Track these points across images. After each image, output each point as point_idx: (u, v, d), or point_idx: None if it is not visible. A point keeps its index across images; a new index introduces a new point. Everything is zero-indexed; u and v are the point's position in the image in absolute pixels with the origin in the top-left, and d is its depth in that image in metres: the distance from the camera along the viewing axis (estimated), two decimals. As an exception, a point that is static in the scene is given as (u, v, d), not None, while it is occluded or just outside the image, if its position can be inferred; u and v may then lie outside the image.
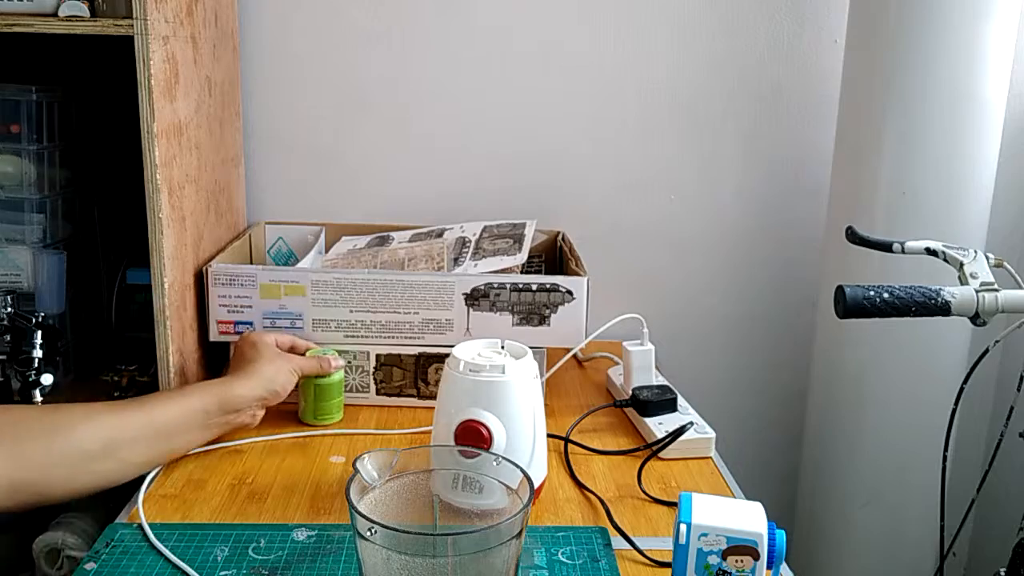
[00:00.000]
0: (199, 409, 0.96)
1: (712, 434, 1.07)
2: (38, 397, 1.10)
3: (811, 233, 1.51)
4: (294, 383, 1.06)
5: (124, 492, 0.92)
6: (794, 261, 1.55)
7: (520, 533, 0.64)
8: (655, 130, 1.49)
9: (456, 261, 1.24)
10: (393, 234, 1.39)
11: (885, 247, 1.00)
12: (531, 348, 0.93)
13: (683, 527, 0.70)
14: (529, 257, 1.28)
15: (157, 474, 0.96)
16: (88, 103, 1.26)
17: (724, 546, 0.69)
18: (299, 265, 1.28)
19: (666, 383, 1.18)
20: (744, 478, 1.04)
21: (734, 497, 0.96)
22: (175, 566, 0.79)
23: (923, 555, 1.36)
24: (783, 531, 0.71)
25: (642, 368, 1.19)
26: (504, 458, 0.73)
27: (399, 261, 1.26)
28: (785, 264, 1.55)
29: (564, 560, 0.82)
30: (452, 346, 0.92)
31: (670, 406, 1.12)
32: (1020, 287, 0.95)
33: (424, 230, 1.38)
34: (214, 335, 1.16)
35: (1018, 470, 1.38)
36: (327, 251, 1.40)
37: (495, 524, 0.64)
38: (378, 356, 1.16)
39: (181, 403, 0.95)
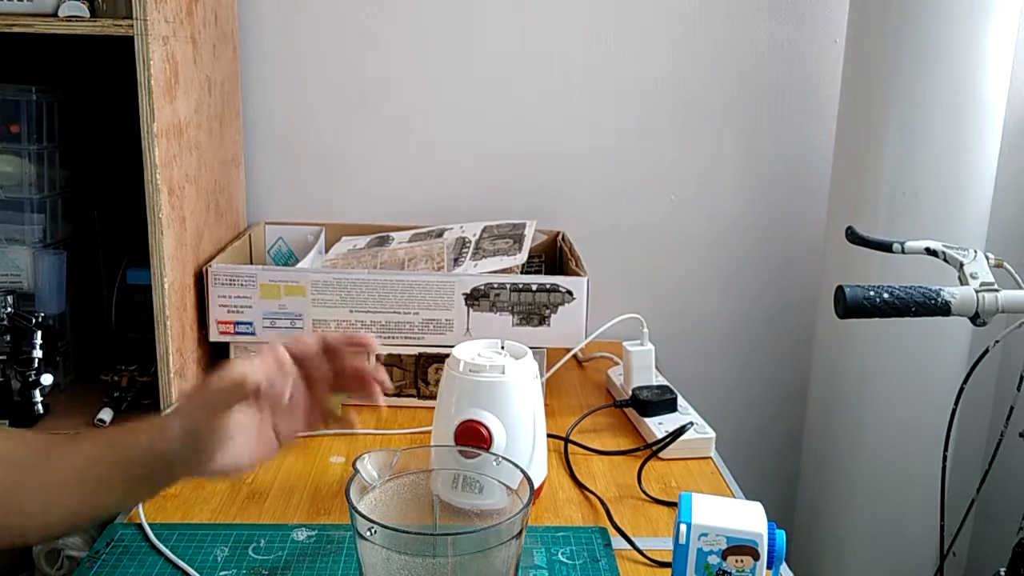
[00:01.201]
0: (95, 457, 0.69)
1: (712, 434, 1.07)
2: (38, 397, 1.10)
3: (811, 233, 1.51)
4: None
5: (124, 492, 0.92)
6: (794, 261, 1.55)
7: (520, 533, 0.64)
8: (655, 130, 1.49)
9: (456, 261, 1.24)
10: (393, 234, 1.39)
11: (885, 247, 1.00)
12: (531, 348, 0.93)
13: (683, 527, 0.70)
14: (529, 257, 1.28)
15: (157, 474, 0.96)
16: (88, 103, 1.26)
17: (724, 546, 0.69)
18: (299, 265, 1.28)
19: (666, 383, 1.18)
20: (744, 478, 1.04)
21: (734, 497, 0.96)
22: (175, 566, 0.79)
23: (923, 555, 1.36)
24: (783, 531, 0.71)
25: (642, 368, 1.19)
26: (504, 458, 0.73)
27: (399, 261, 1.26)
28: (785, 264, 1.55)
29: (564, 560, 0.82)
30: (452, 346, 0.92)
31: (670, 406, 1.12)
32: (1020, 287, 0.95)
33: (424, 230, 1.38)
34: (214, 335, 1.16)
35: (1018, 470, 1.37)
36: (327, 251, 1.40)
37: (495, 524, 0.64)
38: (378, 356, 1.16)
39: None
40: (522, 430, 0.88)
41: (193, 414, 0.68)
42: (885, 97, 1.24)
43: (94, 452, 0.68)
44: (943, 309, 0.86)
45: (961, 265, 0.91)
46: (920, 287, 0.86)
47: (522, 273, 1.19)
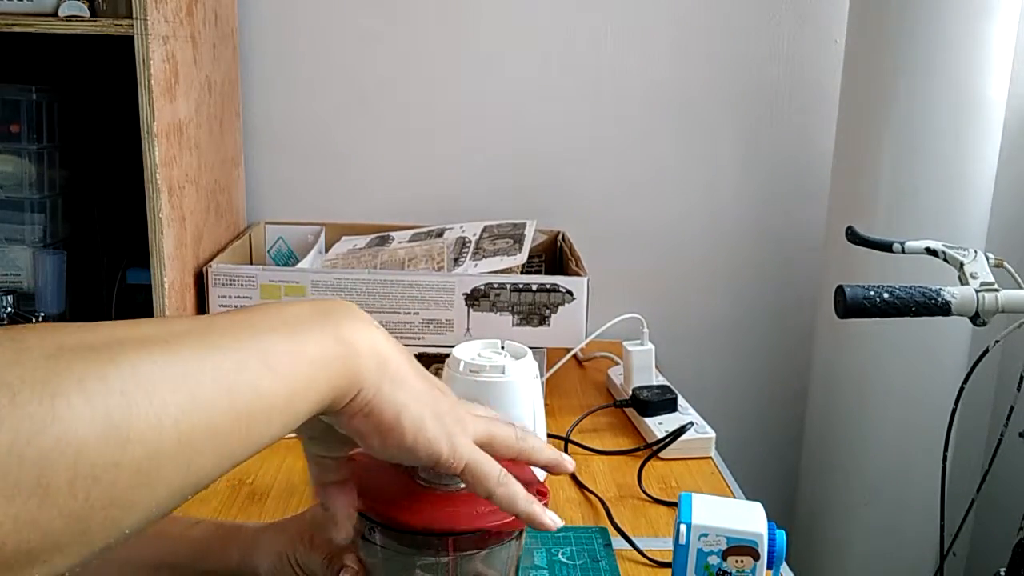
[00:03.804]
0: None
1: (712, 434, 1.07)
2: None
3: (811, 233, 1.51)
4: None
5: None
6: (794, 261, 1.55)
7: (520, 533, 0.64)
8: (655, 130, 1.49)
9: (456, 261, 1.24)
10: (393, 234, 1.39)
11: (885, 247, 1.00)
12: (531, 348, 0.92)
13: (683, 527, 0.70)
14: (529, 257, 1.28)
15: (157, 474, 0.96)
16: (88, 103, 1.26)
17: (724, 546, 0.69)
18: (299, 265, 1.28)
19: (666, 383, 1.18)
20: (744, 478, 1.04)
21: (734, 497, 0.96)
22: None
23: (923, 555, 1.36)
24: (783, 531, 0.71)
25: (642, 368, 1.19)
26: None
27: (399, 261, 1.26)
28: (785, 264, 1.55)
29: (564, 560, 0.82)
30: (452, 346, 0.92)
31: (670, 406, 1.12)
32: (1020, 287, 0.95)
33: (424, 230, 1.38)
34: (214, 335, 1.15)
35: (1018, 470, 1.38)
36: (327, 251, 1.40)
37: (495, 524, 0.64)
38: (378, 356, 1.16)
39: None
40: (522, 430, 0.88)
41: (293, 543, 0.64)
42: (885, 97, 1.24)
43: (180, 550, 0.66)
44: (943, 309, 0.86)
45: (961, 265, 0.91)
46: (920, 287, 0.87)
47: (522, 273, 1.19)
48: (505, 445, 0.55)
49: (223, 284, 1.14)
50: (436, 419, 0.50)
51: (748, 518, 0.70)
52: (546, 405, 0.95)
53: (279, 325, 0.44)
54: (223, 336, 0.41)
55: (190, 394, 0.37)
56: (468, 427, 0.53)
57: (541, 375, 1.00)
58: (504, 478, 0.53)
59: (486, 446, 0.53)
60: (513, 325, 1.15)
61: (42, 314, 1.11)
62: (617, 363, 1.32)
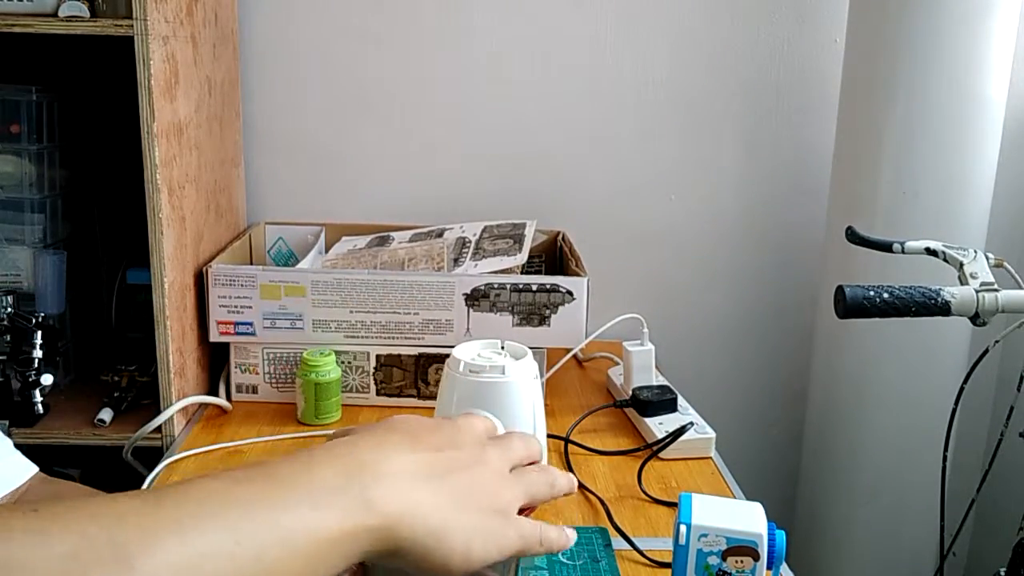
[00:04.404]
0: None
1: (712, 434, 1.07)
2: (38, 397, 1.10)
3: (811, 233, 1.51)
4: None
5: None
6: (794, 261, 1.55)
7: (520, 533, 0.64)
8: (655, 130, 1.49)
9: (456, 261, 1.24)
10: (393, 234, 1.39)
11: (885, 247, 1.00)
12: (531, 348, 0.92)
13: (683, 528, 0.70)
14: (529, 257, 1.28)
15: (157, 475, 0.96)
16: (88, 103, 1.26)
17: (724, 547, 0.69)
18: (299, 265, 1.28)
19: (666, 383, 1.18)
20: (744, 478, 1.04)
21: (734, 497, 0.96)
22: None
23: (923, 555, 1.36)
24: (783, 531, 0.71)
25: (642, 368, 1.19)
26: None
27: (399, 261, 1.26)
28: (785, 264, 1.55)
29: (564, 560, 0.82)
30: (452, 346, 0.92)
31: (670, 406, 1.12)
32: (1020, 287, 0.95)
33: (424, 230, 1.38)
34: (214, 335, 1.16)
35: (1018, 470, 1.38)
36: (327, 251, 1.40)
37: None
38: (378, 356, 1.16)
39: None
40: (522, 430, 0.88)
41: None
42: (885, 97, 1.24)
43: None
44: (943, 309, 0.86)
45: (961, 265, 0.91)
46: (920, 287, 0.87)
47: (522, 273, 1.19)
48: (541, 499, 0.57)
49: (223, 284, 1.14)
50: (481, 536, 0.49)
51: (748, 518, 0.70)
52: (546, 405, 0.94)
53: (301, 496, 0.43)
54: (241, 517, 0.40)
55: None
56: (511, 505, 0.53)
57: (541, 375, 1.00)
58: (543, 532, 0.54)
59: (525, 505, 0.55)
60: (513, 325, 1.15)
61: (42, 314, 1.11)
62: (617, 363, 1.32)
